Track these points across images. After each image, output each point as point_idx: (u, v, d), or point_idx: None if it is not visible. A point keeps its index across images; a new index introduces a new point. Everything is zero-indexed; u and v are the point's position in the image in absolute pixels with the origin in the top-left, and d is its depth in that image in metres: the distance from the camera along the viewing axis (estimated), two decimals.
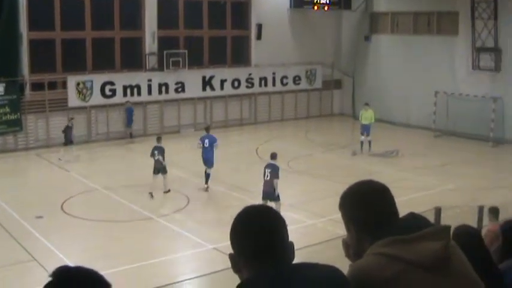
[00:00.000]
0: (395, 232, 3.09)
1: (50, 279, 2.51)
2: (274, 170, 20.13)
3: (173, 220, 20.88)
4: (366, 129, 31.32)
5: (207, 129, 26.30)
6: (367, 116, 31.60)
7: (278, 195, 20.18)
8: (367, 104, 32.37)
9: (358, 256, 3.18)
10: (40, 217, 21.08)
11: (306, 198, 23.23)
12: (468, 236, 4.68)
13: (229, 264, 2.96)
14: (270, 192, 20.10)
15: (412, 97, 37.80)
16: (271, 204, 19.05)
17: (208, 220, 20.78)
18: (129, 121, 34.27)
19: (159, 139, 25.10)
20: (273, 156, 20.65)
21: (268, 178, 20.09)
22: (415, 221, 3.23)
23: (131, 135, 34.29)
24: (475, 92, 34.33)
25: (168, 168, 24.19)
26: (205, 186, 24.66)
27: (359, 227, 3.24)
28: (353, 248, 3.28)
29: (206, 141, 25.01)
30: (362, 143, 31.19)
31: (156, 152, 24.23)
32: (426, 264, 2.99)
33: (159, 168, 23.97)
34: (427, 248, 3.03)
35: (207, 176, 24.74)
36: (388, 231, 3.10)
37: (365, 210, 3.22)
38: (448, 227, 3.23)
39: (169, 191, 24.03)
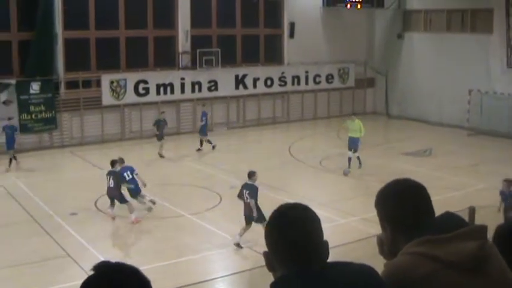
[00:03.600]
0: (431, 231, 3.08)
1: (91, 272, 2.56)
2: (252, 191, 18.19)
3: (205, 218, 20.95)
4: (353, 144, 26.96)
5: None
6: (354, 127, 27.16)
7: (263, 216, 17.25)
8: (354, 114, 29.22)
9: (393, 254, 3.18)
10: (74, 214, 21.30)
11: (338, 197, 23.18)
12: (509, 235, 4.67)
13: (261, 262, 2.99)
14: (251, 215, 18.05)
15: (445, 95, 37.54)
16: (258, 226, 17.68)
17: (240, 218, 20.75)
18: (9, 142, 28.07)
19: (162, 113, 31.40)
20: (251, 175, 18.68)
21: (248, 200, 18.16)
22: (451, 220, 3.22)
23: (15, 158, 27.96)
24: (509, 90, 34.02)
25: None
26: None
27: (394, 226, 3.23)
28: (388, 246, 3.28)
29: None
30: (350, 159, 26.85)
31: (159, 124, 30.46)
32: (462, 264, 2.98)
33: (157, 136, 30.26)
34: (463, 247, 3.01)
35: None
36: (424, 231, 3.10)
37: (401, 209, 3.21)
38: (484, 227, 3.20)
39: (162, 156, 29.61)
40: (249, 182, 18.52)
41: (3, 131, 28.34)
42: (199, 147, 31.24)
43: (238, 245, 18.19)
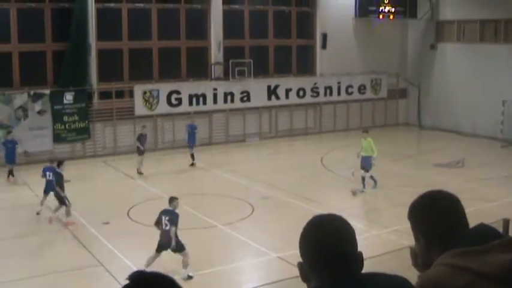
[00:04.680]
0: (465, 243, 3.06)
1: (126, 282, 2.55)
2: (173, 217, 16.94)
3: (237, 228, 20.95)
4: (363, 162, 25.25)
5: None
6: (366, 146, 25.30)
7: (182, 245, 17.05)
8: (365, 131, 26.31)
9: (426, 266, 3.16)
10: (106, 223, 21.42)
11: (370, 208, 23.10)
12: None
13: (293, 273, 3.01)
14: (169, 243, 16.89)
15: (478, 106, 37.26)
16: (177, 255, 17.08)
17: (272, 229, 20.79)
18: (10, 157, 27.89)
19: (143, 127, 30.01)
20: (171, 200, 17.40)
21: (168, 227, 16.86)
22: (486, 232, 3.20)
23: (12, 174, 27.74)
24: None
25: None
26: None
27: (428, 238, 3.21)
28: (421, 257, 3.27)
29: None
30: (363, 179, 25.26)
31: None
32: (496, 276, 2.95)
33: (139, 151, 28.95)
34: (497, 259, 2.98)
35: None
36: (458, 242, 3.08)
37: (435, 221, 3.19)
38: None
39: (141, 173, 28.57)
40: (169, 208, 17.16)
41: (3, 146, 28.00)
42: (192, 161, 30.30)
43: None
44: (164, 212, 17.09)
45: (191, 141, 30.49)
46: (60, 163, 22.27)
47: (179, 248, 16.92)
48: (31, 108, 30.60)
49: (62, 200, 21.59)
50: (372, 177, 25.36)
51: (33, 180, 27.11)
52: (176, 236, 16.85)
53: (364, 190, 25.10)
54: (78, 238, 19.97)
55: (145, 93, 33.62)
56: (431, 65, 40.99)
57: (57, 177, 21.75)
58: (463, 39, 39.44)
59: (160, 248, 16.98)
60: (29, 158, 30.46)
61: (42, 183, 26.64)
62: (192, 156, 30.24)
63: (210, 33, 35.97)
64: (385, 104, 42.02)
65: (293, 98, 38.24)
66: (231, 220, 21.74)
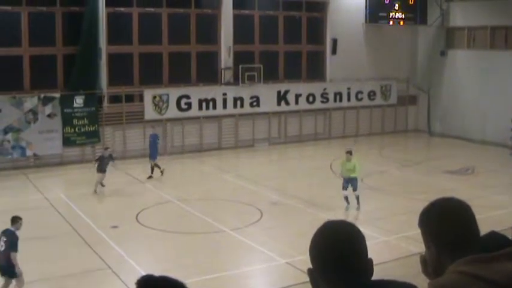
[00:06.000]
0: (477, 251, 3.05)
1: (135, 286, 2.54)
2: (12, 240, 15.18)
3: (246, 233, 20.93)
4: (350, 183, 23.54)
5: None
6: (350, 167, 23.57)
7: (19, 272, 15.32)
8: (349, 152, 24.22)
9: (437, 274, 3.15)
10: (115, 227, 21.45)
11: (379, 215, 23.00)
12: None
13: (302, 279, 3.01)
14: (5, 267, 15.28)
15: (488, 113, 37.15)
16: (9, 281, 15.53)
17: (281, 234, 20.76)
18: None
19: (106, 149, 27.75)
20: (14, 220, 15.68)
21: (3, 249, 15.14)
22: (497, 240, 3.18)
23: None
24: None
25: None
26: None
27: (440, 246, 3.19)
28: (432, 265, 3.25)
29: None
30: (347, 198, 23.62)
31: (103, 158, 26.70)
32: (505, 284, 2.95)
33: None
34: (508, 267, 2.98)
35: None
36: (469, 250, 3.07)
37: (447, 229, 3.17)
38: None
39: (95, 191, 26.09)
40: (11, 229, 15.45)
41: None
42: (150, 174, 28.89)
43: None
44: (3, 232, 15.46)
45: (153, 152, 29.20)
46: None
47: (15, 274, 15.36)
48: (41, 111, 30.68)
49: None
50: (357, 197, 23.60)
51: (43, 184, 27.26)
52: (16, 260, 15.23)
53: (348, 209, 23.51)
54: (87, 241, 19.98)
55: (155, 97, 33.68)
56: (441, 71, 40.90)
57: None
58: (473, 45, 39.37)
59: (8, 273, 15.43)
60: (38, 161, 30.58)
61: (51, 186, 26.78)
62: (152, 168, 28.82)
63: (220, 38, 36.01)
64: (394, 110, 41.96)
65: (303, 104, 38.23)
66: (240, 225, 21.73)
